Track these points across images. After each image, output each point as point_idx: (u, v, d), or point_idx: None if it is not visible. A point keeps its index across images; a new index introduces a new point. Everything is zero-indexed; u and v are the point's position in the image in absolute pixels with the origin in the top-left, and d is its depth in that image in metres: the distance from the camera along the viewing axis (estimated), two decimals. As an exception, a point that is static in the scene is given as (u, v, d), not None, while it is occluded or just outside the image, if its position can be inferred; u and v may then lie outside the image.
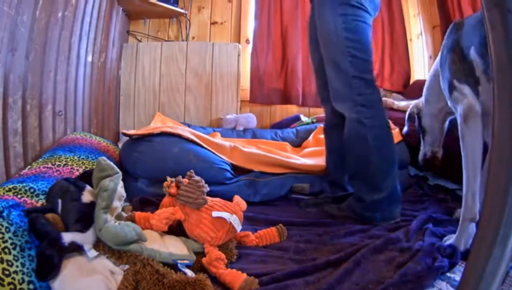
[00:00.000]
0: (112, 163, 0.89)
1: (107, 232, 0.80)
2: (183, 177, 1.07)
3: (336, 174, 1.48)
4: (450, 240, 1.01)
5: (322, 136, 2.03)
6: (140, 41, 2.53)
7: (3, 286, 0.64)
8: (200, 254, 0.94)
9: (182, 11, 2.48)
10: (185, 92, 2.38)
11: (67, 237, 0.76)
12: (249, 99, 2.58)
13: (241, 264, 0.95)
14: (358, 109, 1.23)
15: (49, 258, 0.70)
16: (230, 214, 0.97)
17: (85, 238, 0.81)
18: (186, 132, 1.63)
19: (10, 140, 1.17)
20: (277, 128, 2.41)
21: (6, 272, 0.65)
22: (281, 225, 1.14)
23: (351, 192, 1.40)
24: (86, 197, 0.86)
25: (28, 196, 0.98)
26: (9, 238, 0.70)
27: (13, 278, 0.66)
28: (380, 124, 1.25)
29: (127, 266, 0.77)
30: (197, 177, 1.01)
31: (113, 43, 2.16)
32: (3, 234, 0.70)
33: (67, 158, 1.29)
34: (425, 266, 0.87)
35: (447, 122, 1.31)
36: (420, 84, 1.35)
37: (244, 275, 0.83)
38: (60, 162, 1.25)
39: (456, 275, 0.88)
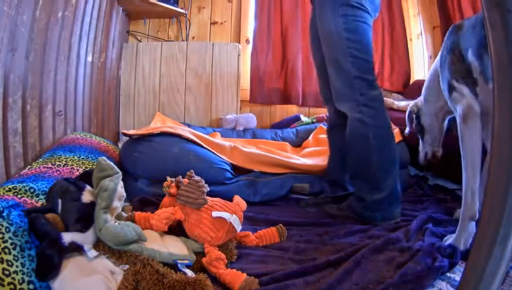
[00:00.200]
0: (111, 163, 0.89)
1: (107, 232, 0.80)
2: (183, 177, 1.07)
3: (337, 174, 1.49)
4: (450, 239, 1.02)
5: (322, 136, 2.05)
6: (140, 41, 2.53)
7: (3, 286, 0.64)
8: (200, 254, 0.94)
9: (182, 11, 2.48)
10: (185, 92, 2.38)
11: (67, 237, 0.76)
12: (249, 99, 2.59)
13: (241, 264, 0.95)
14: (361, 109, 1.23)
15: (49, 258, 0.70)
16: (230, 214, 0.97)
17: (85, 238, 0.81)
18: (186, 132, 1.63)
19: (10, 140, 1.17)
20: (277, 128, 2.41)
21: (6, 272, 0.65)
22: (281, 225, 1.14)
23: (352, 192, 1.40)
24: (86, 197, 0.86)
25: (28, 196, 0.98)
26: (9, 238, 0.70)
27: (13, 278, 0.66)
28: (382, 124, 1.25)
29: (127, 266, 0.77)
30: (197, 177, 1.01)
31: (113, 43, 2.16)
32: (3, 234, 0.70)
33: (67, 158, 1.29)
34: (425, 266, 0.87)
35: (446, 122, 1.32)
36: (420, 84, 1.36)
37: (244, 275, 0.83)
38: (60, 162, 1.25)
39: (456, 275, 0.88)
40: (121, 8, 2.27)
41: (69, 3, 1.54)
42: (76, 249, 0.76)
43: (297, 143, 2.18)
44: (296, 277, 0.85)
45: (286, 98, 2.60)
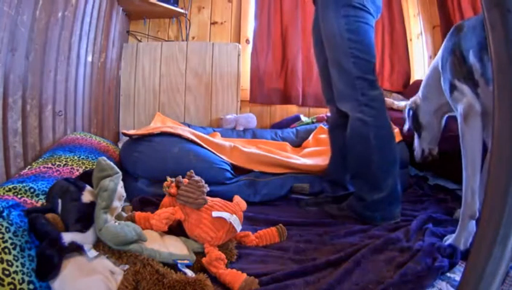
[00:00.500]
0: (111, 163, 0.89)
1: (107, 232, 0.80)
2: (183, 177, 1.07)
3: (338, 174, 1.49)
4: (450, 239, 1.02)
5: (322, 136, 2.05)
6: (140, 41, 2.53)
7: (3, 286, 0.64)
8: (200, 254, 0.94)
9: (182, 11, 2.48)
10: (185, 92, 2.38)
11: (67, 237, 0.76)
12: (249, 99, 2.58)
13: (241, 264, 0.95)
14: (362, 109, 1.24)
15: (49, 258, 0.70)
16: (230, 214, 0.97)
17: (85, 238, 0.81)
18: (186, 132, 1.63)
19: (10, 140, 1.17)
20: (277, 128, 2.41)
21: (6, 272, 0.65)
22: (281, 225, 1.14)
23: (352, 191, 1.40)
24: (86, 197, 0.86)
25: (28, 196, 0.98)
26: (9, 238, 0.70)
27: (13, 278, 0.66)
28: (382, 124, 1.26)
29: (127, 266, 0.77)
30: (197, 177, 1.01)
31: (113, 43, 2.16)
32: (3, 234, 0.70)
33: (67, 158, 1.29)
34: (425, 266, 0.87)
35: (444, 120, 1.32)
36: (420, 84, 1.36)
37: (244, 275, 0.83)
38: (60, 162, 1.25)
39: (456, 275, 0.88)
40: (121, 8, 2.27)
41: (69, 3, 1.54)
42: (76, 249, 0.76)
43: (297, 143, 2.18)
44: (296, 277, 0.85)
45: (286, 98, 2.60)
